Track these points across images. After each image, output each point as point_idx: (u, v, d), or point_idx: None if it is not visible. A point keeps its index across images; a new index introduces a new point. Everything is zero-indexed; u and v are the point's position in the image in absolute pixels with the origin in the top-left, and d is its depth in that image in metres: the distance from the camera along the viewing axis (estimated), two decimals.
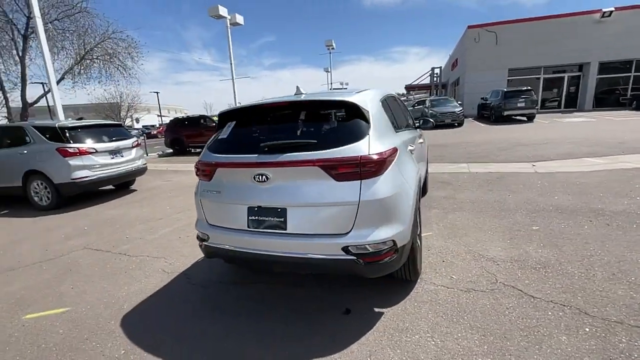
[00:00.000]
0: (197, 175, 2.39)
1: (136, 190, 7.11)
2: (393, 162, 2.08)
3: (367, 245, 1.90)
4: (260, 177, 2.01)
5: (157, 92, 47.51)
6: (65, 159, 5.45)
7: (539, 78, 21.82)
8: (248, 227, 2.11)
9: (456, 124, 16.31)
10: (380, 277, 2.29)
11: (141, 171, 6.79)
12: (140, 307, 2.52)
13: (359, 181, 1.89)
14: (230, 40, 16.50)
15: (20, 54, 12.02)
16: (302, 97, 2.27)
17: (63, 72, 13.28)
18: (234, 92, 16.99)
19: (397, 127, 2.76)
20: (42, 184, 5.63)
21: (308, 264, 2.01)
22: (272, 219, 2.03)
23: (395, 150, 2.15)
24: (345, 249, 1.90)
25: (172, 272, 3.07)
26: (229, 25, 16.24)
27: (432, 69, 34.62)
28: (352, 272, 1.99)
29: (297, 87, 2.54)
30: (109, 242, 3.97)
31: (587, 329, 1.88)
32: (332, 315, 2.23)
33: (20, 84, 12.22)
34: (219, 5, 14.87)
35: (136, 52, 14.91)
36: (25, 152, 5.64)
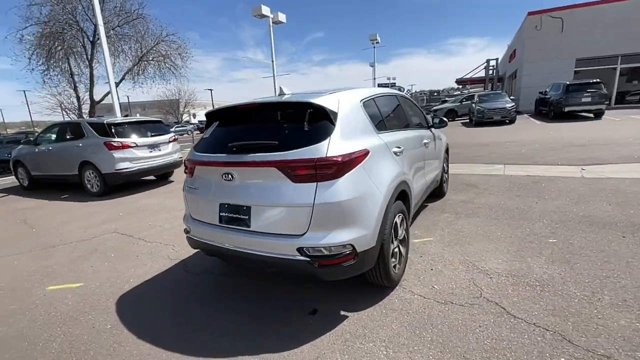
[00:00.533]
0: (184, 171, 2.57)
1: (173, 181, 7.75)
2: (360, 165, 2.03)
3: (321, 248, 1.90)
4: (227, 176, 2.10)
5: (210, 90, 50.81)
6: (110, 151, 6.15)
7: (615, 68, 19.02)
8: (219, 222, 2.23)
9: (507, 121, 14.98)
10: (358, 281, 2.27)
11: (177, 164, 7.38)
12: (137, 289, 2.79)
13: (315, 183, 1.89)
14: (272, 38, 17.01)
15: (89, 57, 13.80)
16: (270, 99, 2.31)
17: (123, 73, 14.97)
18: (275, 89, 17.50)
19: (386, 127, 2.66)
20: (93, 173, 6.43)
21: (269, 263, 2.06)
22: (239, 216, 2.12)
23: (365, 152, 2.09)
24: (300, 250, 1.92)
25: (175, 259, 3.33)
26: (271, 23, 16.73)
27: (487, 61, 32.02)
28: (309, 273, 1.99)
29: (280, 87, 2.58)
30: (134, 228, 4.43)
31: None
32: (299, 314, 2.26)
33: (89, 85, 14.10)
34: (261, 5, 15.38)
35: (185, 52, 16.20)
36: (81, 145, 6.49)
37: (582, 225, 3.33)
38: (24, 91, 36.35)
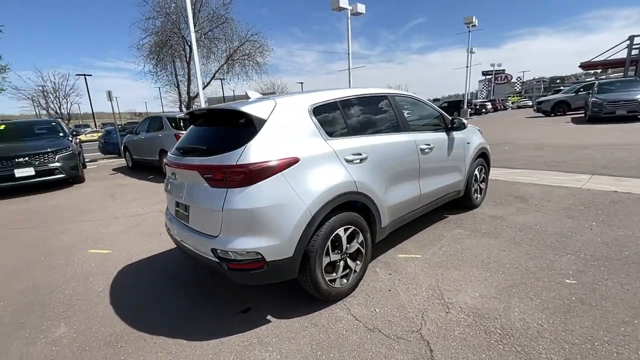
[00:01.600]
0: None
1: None
2: (280, 173, 1.99)
3: (229, 252, 1.96)
4: (173, 176, 2.33)
5: (301, 83, 53.54)
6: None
7: None
8: (175, 216, 2.49)
9: (639, 117, 11.67)
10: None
11: None
12: (139, 263, 3.34)
13: (225, 189, 1.94)
14: (349, 30, 16.91)
15: (188, 60, 16.34)
16: (214, 106, 2.41)
17: (214, 72, 17.22)
18: (349, 81, 17.44)
19: (348, 133, 2.48)
20: None
21: (197, 258, 2.22)
22: (184, 212, 2.34)
23: (290, 161, 2.03)
24: (213, 251, 2.01)
25: None
26: (349, 15, 16.62)
27: (630, 38, 25.04)
28: (223, 274, 2.08)
29: (246, 92, 2.67)
30: None
31: None
32: (234, 309, 2.37)
33: (186, 82, 16.78)
34: None
35: (265, 51, 17.60)
36: (160, 135, 7.82)
37: (633, 268, 2.49)
38: (159, 88, 45.08)
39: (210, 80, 16.83)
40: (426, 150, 3.10)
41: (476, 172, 4.02)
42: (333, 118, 2.45)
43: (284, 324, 2.15)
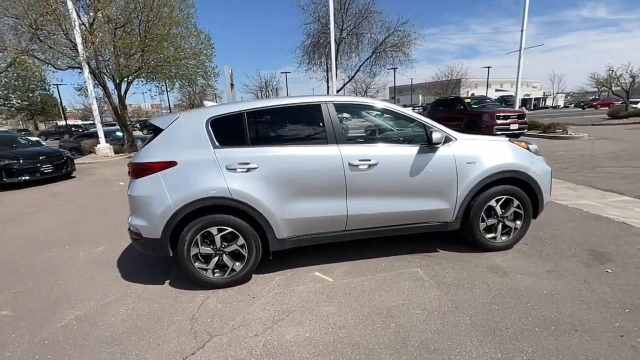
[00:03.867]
0: None
1: None
2: (158, 172, 2.53)
3: (129, 226, 2.72)
4: None
5: (488, 67, 46.21)
6: None
7: None
8: None
9: None
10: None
11: None
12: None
13: (129, 180, 2.69)
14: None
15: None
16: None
17: (358, 67, 17.82)
18: (518, 67, 13.98)
19: (246, 143, 2.64)
20: None
21: None
22: None
23: (166, 163, 2.53)
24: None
25: None
26: None
27: None
28: None
29: (203, 101, 3.25)
30: None
31: None
32: (160, 270, 3.15)
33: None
34: None
35: (412, 41, 16.41)
36: None
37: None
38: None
39: (354, 75, 17.84)
40: (361, 167, 2.70)
41: (493, 203, 2.94)
42: (232, 129, 2.67)
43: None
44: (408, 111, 3.00)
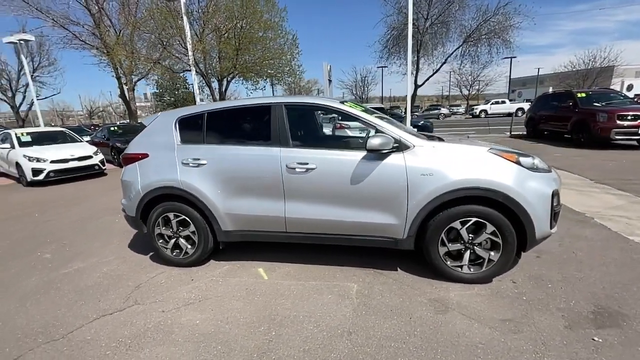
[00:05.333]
0: None
1: None
2: (137, 162, 3.05)
3: (121, 205, 3.36)
4: None
5: None
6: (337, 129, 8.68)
7: None
8: None
9: None
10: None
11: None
12: None
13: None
14: None
15: (418, 48, 15.96)
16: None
17: (445, 58, 15.66)
18: None
19: (203, 142, 2.92)
20: None
21: None
22: None
23: (141, 155, 3.03)
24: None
25: None
26: None
27: None
28: None
29: (199, 100, 3.66)
30: None
31: None
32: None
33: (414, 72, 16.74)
34: None
35: (517, 23, 13.42)
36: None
37: None
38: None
39: (440, 66, 15.90)
40: (298, 170, 2.64)
41: (457, 225, 2.45)
42: (193, 128, 2.98)
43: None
44: (361, 112, 2.73)
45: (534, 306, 2.23)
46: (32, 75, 18.94)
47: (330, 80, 22.12)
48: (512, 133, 13.55)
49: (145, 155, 3.04)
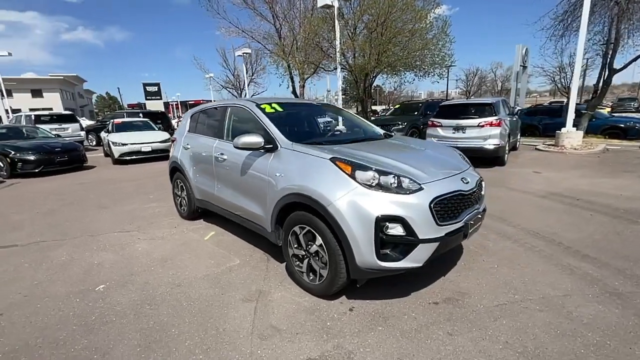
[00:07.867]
0: None
1: None
2: (175, 141, 4.59)
3: None
4: None
5: None
6: (430, 128, 7.91)
7: None
8: None
9: None
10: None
11: (482, 151, 7.01)
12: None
13: None
14: None
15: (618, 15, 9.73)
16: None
17: None
18: None
19: (198, 131, 4.04)
20: None
21: None
22: None
23: (175, 139, 4.53)
24: None
25: None
26: None
27: None
28: None
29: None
30: None
31: None
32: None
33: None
34: None
35: None
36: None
37: None
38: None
39: None
40: (219, 159, 3.33)
41: (297, 230, 2.47)
42: (196, 121, 4.14)
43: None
44: (259, 113, 3.01)
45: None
46: (251, 78, 26.60)
47: (524, 66, 18.28)
48: None
49: (175, 140, 4.52)
